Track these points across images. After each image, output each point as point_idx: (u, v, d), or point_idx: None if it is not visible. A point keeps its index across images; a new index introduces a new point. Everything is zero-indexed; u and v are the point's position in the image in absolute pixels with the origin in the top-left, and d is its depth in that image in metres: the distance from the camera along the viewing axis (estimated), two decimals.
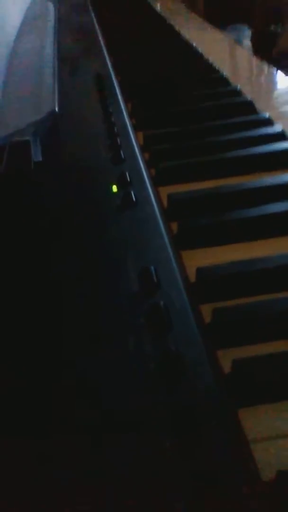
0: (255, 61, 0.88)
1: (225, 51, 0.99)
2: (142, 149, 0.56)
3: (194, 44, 0.94)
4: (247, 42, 1.89)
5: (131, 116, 0.65)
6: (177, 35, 1.04)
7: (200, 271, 0.37)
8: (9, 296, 0.35)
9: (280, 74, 0.78)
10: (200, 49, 0.91)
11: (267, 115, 0.61)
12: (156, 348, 0.30)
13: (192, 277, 0.37)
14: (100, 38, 0.97)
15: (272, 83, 0.79)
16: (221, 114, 0.63)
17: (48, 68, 0.73)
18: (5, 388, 0.28)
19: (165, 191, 0.48)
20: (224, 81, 0.75)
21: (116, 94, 0.69)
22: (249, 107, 0.64)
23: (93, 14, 1.17)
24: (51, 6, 1.16)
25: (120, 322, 0.32)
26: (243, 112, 0.63)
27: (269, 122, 0.59)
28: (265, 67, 0.83)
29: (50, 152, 0.52)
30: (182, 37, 1.01)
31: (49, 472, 0.24)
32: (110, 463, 0.24)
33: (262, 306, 0.33)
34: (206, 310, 0.34)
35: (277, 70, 0.79)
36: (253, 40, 1.90)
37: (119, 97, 0.68)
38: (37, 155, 0.51)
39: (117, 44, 0.97)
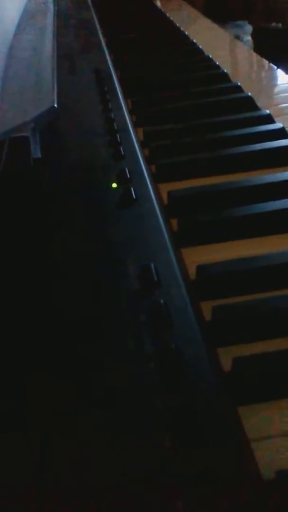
0: (255, 57, 0.87)
1: (226, 47, 0.98)
2: (142, 146, 0.56)
3: (195, 40, 0.94)
4: (248, 38, 1.89)
5: (131, 112, 0.65)
6: (177, 31, 1.04)
7: (200, 268, 0.36)
8: (8, 293, 0.35)
9: (280, 71, 0.78)
10: (200, 45, 0.90)
11: (267, 111, 0.60)
12: (156, 346, 0.30)
13: (193, 274, 0.37)
14: (100, 34, 0.96)
15: (272, 79, 0.79)
16: (222, 111, 0.63)
17: (47, 64, 0.73)
18: (4, 388, 0.28)
19: (165, 187, 0.48)
20: (225, 77, 0.74)
21: (115, 90, 0.69)
22: (250, 103, 0.64)
23: (92, 10, 1.16)
24: (50, 1, 1.15)
25: (120, 319, 0.32)
26: (244, 109, 0.63)
27: (269, 118, 0.59)
28: (266, 63, 0.83)
29: (50, 149, 0.52)
30: (182, 33, 1.01)
31: (49, 472, 0.24)
32: (110, 463, 0.24)
33: (262, 304, 0.33)
34: (206, 308, 0.34)
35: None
36: (253, 36, 1.90)
37: (119, 93, 0.68)
38: (36, 151, 0.51)
39: (117, 40, 0.96)
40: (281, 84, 0.75)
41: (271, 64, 0.81)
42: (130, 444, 0.25)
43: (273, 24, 1.87)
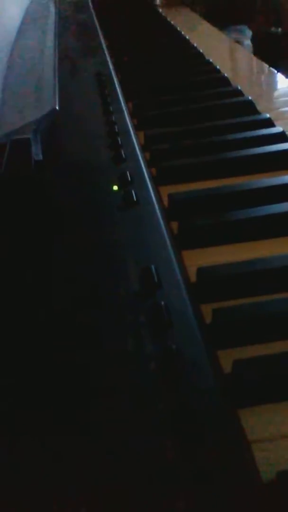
0: (255, 61, 0.88)
1: (226, 51, 0.99)
2: (143, 149, 0.56)
3: (195, 44, 0.94)
4: (248, 43, 1.89)
5: (132, 115, 0.65)
6: (178, 35, 1.04)
7: (200, 271, 0.37)
8: (8, 294, 0.35)
9: (280, 75, 0.78)
10: (201, 49, 0.91)
11: (267, 115, 0.61)
12: (157, 348, 0.30)
13: (193, 277, 0.37)
14: (101, 36, 0.97)
15: (272, 83, 0.79)
16: (222, 114, 0.63)
17: (49, 67, 0.73)
18: (4, 389, 0.28)
19: (165, 190, 0.48)
20: (225, 81, 0.75)
21: (116, 93, 0.69)
22: (250, 107, 0.64)
23: (94, 13, 1.16)
24: (51, 4, 1.15)
25: (120, 321, 0.32)
26: (244, 112, 0.63)
27: (269, 122, 0.59)
28: (266, 67, 0.83)
29: (51, 151, 0.52)
30: (183, 37, 1.01)
31: (49, 472, 0.24)
32: (110, 463, 0.24)
33: (262, 307, 0.33)
34: (207, 310, 0.34)
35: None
36: (253, 40, 1.90)
37: (120, 96, 0.68)
38: (37, 153, 0.51)
39: (118, 43, 0.97)
40: (281, 88, 0.75)
41: (271, 68, 0.81)
42: (130, 444, 0.25)
43: (273, 28, 1.88)
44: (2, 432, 0.26)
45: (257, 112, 0.63)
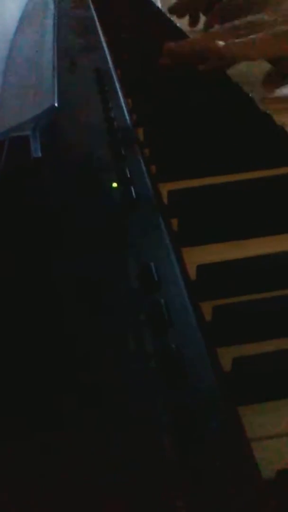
0: None
1: None
2: (143, 145, 0.56)
3: None
4: None
5: (131, 111, 0.65)
6: (178, 31, 1.04)
7: (200, 268, 0.36)
8: (6, 292, 0.35)
9: None
10: None
11: (268, 112, 0.60)
12: (156, 346, 0.30)
13: (193, 274, 0.37)
14: (100, 33, 0.96)
15: None
16: (222, 111, 0.63)
17: (48, 63, 0.73)
18: (3, 388, 0.28)
19: (165, 187, 0.48)
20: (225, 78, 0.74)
21: (116, 89, 0.69)
22: (250, 102, 0.64)
23: (93, 9, 1.16)
24: (50, 1, 1.15)
25: (119, 320, 0.32)
26: (244, 108, 0.63)
27: (270, 119, 0.59)
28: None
29: (50, 148, 0.52)
30: (183, 33, 1.00)
31: (47, 470, 0.24)
32: (109, 462, 0.24)
33: (263, 304, 0.33)
34: (207, 308, 0.34)
35: None
36: None
37: (119, 92, 0.68)
38: (36, 150, 0.51)
39: (117, 39, 0.96)
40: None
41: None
42: (129, 444, 0.25)
43: None
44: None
45: (257, 109, 0.63)
